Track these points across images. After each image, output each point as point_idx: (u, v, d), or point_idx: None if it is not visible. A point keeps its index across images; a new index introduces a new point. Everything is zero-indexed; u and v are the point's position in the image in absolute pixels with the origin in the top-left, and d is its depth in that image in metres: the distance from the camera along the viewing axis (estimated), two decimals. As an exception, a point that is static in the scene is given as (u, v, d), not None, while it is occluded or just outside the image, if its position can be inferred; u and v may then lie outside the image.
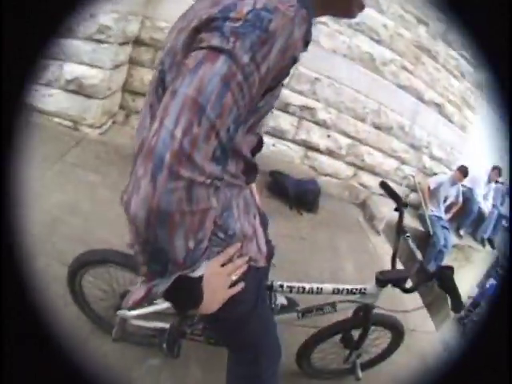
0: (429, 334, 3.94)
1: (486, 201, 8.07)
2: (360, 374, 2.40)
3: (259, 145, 1.19)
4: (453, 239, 7.04)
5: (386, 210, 5.82)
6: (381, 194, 6.17)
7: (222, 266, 1.13)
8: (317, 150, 5.70)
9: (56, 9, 0.69)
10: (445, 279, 1.80)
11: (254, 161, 1.18)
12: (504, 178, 8.51)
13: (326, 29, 5.18)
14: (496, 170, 7.96)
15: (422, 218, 6.61)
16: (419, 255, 2.09)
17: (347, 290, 2.03)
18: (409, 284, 1.96)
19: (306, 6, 0.88)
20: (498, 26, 0.66)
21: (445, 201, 6.88)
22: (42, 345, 0.53)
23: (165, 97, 0.80)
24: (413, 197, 6.77)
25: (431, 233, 6.48)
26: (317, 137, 5.59)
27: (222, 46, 0.78)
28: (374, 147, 5.98)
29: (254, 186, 1.62)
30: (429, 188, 6.63)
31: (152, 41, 4.70)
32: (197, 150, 0.76)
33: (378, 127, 5.86)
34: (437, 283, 1.86)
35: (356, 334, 2.27)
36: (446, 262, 6.99)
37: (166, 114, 0.76)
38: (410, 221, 6.45)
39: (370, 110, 5.73)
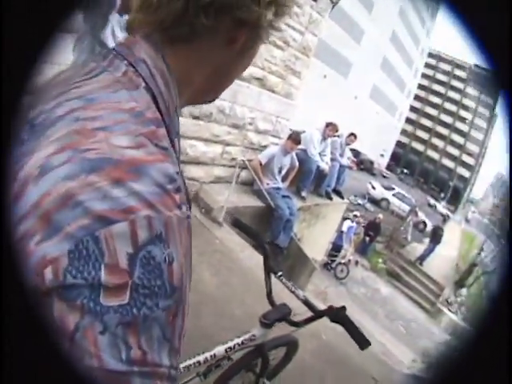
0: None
1: (324, 156, 8.35)
2: None
3: None
4: (296, 203, 7.35)
5: (222, 198, 5.90)
6: (212, 182, 6.26)
7: None
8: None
9: (56, 8, 0.62)
10: (341, 321, 1.85)
11: None
12: (340, 132, 8.98)
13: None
14: (330, 125, 8.20)
15: (259, 194, 6.81)
16: (300, 292, 2.12)
17: (238, 344, 2.06)
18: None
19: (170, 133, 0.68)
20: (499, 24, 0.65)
21: (280, 171, 7.05)
22: (43, 345, 0.49)
23: None
24: (245, 175, 6.92)
25: (273, 206, 6.69)
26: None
27: (123, 369, 0.50)
28: (195, 138, 6.00)
29: None
30: (261, 163, 6.77)
31: None
32: None
33: (196, 117, 5.88)
34: (330, 320, 1.92)
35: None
36: (295, 227, 7.34)
37: None
38: (249, 200, 6.66)
39: (186, 101, 5.68)
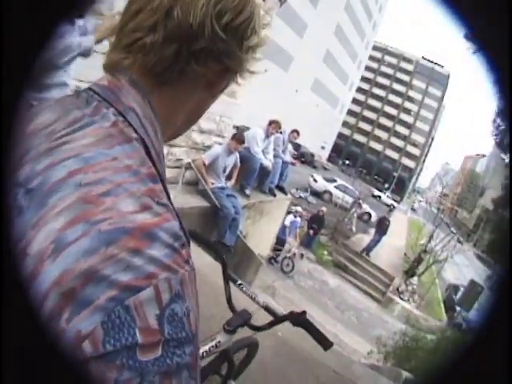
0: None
1: (267, 154, 8.51)
2: None
3: None
4: (241, 201, 7.46)
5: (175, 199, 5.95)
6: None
7: None
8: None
9: (56, 8, 0.63)
10: (303, 325, 1.93)
11: None
12: (283, 128, 9.18)
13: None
14: (273, 123, 8.36)
15: (204, 194, 6.85)
16: (260, 299, 2.22)
17: (205, 352, 2.13)
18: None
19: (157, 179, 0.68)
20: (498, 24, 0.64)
21: (224, 171, 7.13)
22: (43, 344, 0.52)
23: None
24: (189, 175, 6.93)
25: (218, 206, 6.75)
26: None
27: None
28: (140, 140, 6.01)
29: None
30: (204, 163, 6.78)
31: None
32: None
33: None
34: (292, 324, 1.99)
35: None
36: (240, 224, 7.51)
37: None
38: (195, 200, 6.74)
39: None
